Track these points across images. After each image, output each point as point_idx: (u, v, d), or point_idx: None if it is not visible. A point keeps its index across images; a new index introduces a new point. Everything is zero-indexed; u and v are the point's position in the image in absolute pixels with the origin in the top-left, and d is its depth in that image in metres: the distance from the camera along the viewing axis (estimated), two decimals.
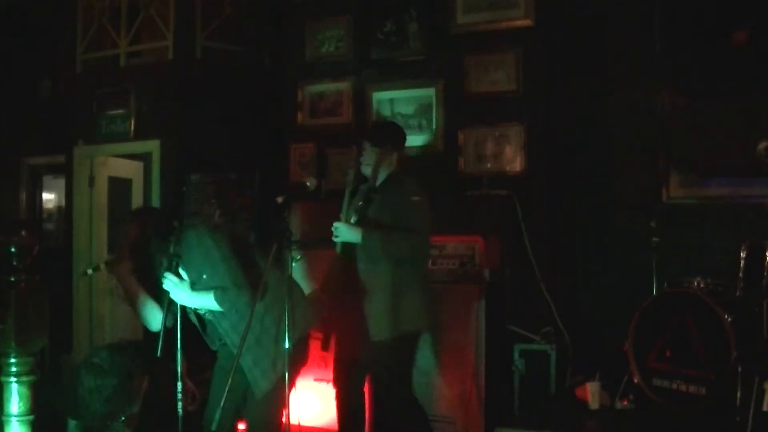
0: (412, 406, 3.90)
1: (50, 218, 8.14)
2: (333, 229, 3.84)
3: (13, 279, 2.28)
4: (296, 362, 3.30)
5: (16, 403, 2.31)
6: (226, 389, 3.05)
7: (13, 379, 2.30)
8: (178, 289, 3.14)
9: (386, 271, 3.72)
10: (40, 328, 2.36)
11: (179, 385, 3.25)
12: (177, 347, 3.27)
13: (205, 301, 3.17)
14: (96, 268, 3.38)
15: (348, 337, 3.99)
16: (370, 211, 3.88)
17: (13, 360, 2.29)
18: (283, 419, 3.30)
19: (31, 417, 2.34)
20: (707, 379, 4.11)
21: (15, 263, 2.29)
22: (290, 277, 3.38)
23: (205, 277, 3.14)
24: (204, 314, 3.31)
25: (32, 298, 2.31)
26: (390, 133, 4.09)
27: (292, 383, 3.28)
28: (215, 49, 6.30)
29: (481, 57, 5.26)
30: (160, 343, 3.17)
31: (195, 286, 3.16)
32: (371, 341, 3.77)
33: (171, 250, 3.13)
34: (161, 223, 3.24)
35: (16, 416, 2.31)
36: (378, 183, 3.93)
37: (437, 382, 4.59)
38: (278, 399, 3.26)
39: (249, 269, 3.17)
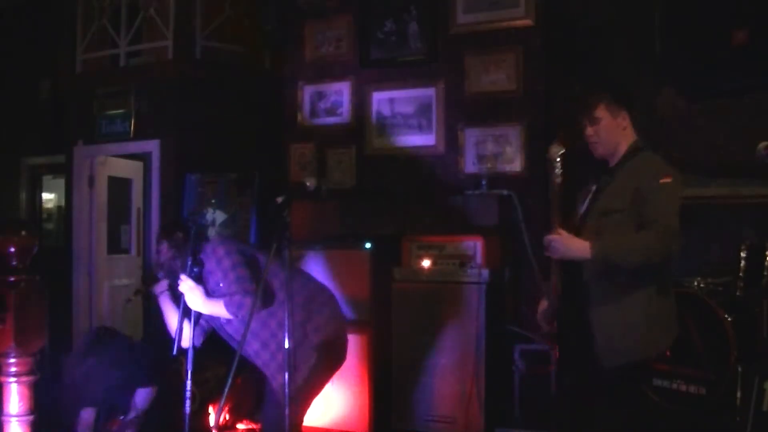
0: None
1: (50, 218, 8.15)
2: (546, 243, 2.90)
3: (13, 279, 2.27)
4: (328, 364, 3.34)
5: (16, 403, 2.30)
6: (226, 390, 3.06)
7: (13, 379, 2.30)
8: (193, 293, 3.19)
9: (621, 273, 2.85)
10: (40, 328, 2.36)
11: (188, 383, 3.26)
12: (189, 350, 3.31)
13: (217, 309, 3.21)
14: (137, 293, 3.55)
15: None
16: (600, 201, 2.99)
17: (13, 360, 2.29)
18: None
19: (31, 417, 2.34)
20: (707, 379, 4.11)
21: (15, 263, 2.28)
22: (308, 276, 3.44)
23: (221, 285, 3.22)
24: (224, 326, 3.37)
25: (32, 298, 2.31)
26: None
27: (323, 384, 3.34)
28: (215, 49, 6.30)
29: (481, 57, 5.26)
30: (176, 344, 3.23)
31: (212, 294, 3.24)
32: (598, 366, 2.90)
33: (192, 259, 3.23)
34: (188, 237, 3.34)
35: (16, 416, 2.31)
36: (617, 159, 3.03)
37: (437, 382, 4.59)
38: (305, 399, 3.30)
39: (258, 275, 3.21)
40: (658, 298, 2.85)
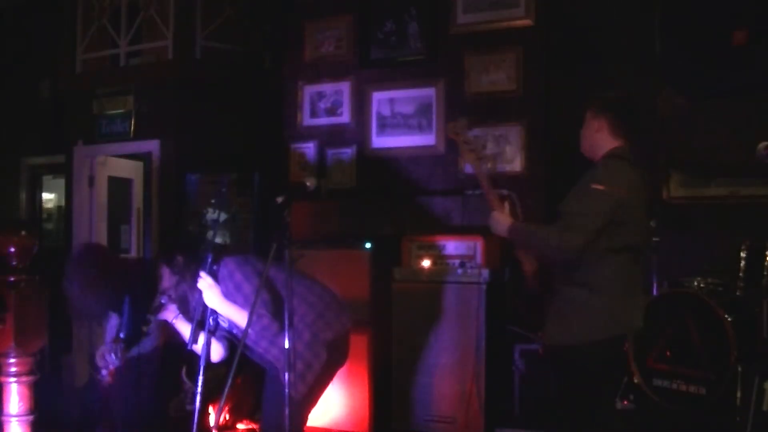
0: None
1: (50, 218, 8.14)
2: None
3: (13, 279, 2.27)
4: (336, 361, 3.34)
5: (16, 403, 2.31)
6: (226, 390, 3.07)
7: (13, 379, 2.30)
8: (211, 291, 3.16)
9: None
10: (40, 328, 2.36)
11: (200, 379, 3.25)
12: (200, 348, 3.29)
13: (233, 313, 3.19)
14: (146, 323, 3.45)
15: None
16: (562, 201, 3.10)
17: (13, 360, 2.29)
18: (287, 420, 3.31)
19: (31, 417, 2.34)
20: (707, 379, 4.11)
21: (15, 263, 2.29)
22: (311, 278, 3.45)
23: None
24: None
25: (32, 298, 2.31)
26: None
27: (325, 385, 3.34)
28: (215, 49, 6.30)
29: (481, 57, 5.26)
30: (189, 344, 3.22)
31: None
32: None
33: (212, 256, 3.18)
34: (190, 258, 3.26)
35: (16, 416, 2.31)
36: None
37: (437, 382, 4.59)
38: (316, 396, 3.31)
39: (275, 296, 3.21)
40: (586, 294, 2.92)
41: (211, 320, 3.23)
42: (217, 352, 3.35)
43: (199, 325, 3.22)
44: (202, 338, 3.26)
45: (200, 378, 3.25)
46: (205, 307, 3.20)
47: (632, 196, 2.91)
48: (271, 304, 3.15)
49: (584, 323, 2.92)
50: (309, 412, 3.34)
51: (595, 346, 2.92)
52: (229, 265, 3.24)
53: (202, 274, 3.17)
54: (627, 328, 3.05)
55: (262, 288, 3.13)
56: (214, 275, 3.20)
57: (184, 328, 3.33)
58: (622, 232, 2.88)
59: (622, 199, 2.87)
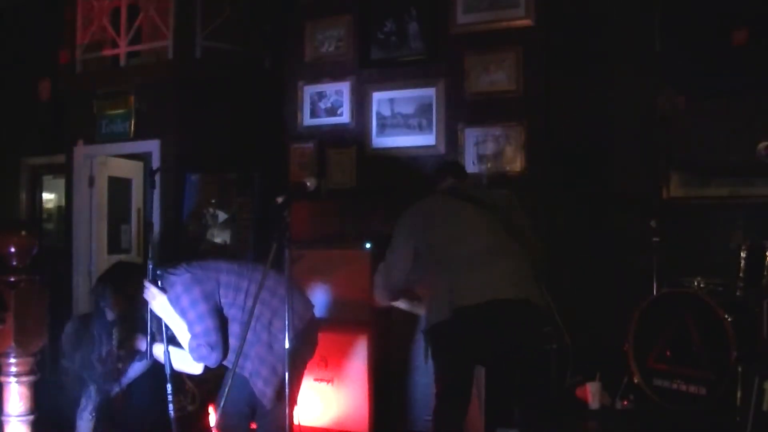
0: None
1: (50, 218, 8.15)
2: None
3: (13, 279, 2.27)
4: (301, 358, 3.31)
5: (16, 403, 2.30)
6: (226, 390, 3.06)
7: (13, 379, 2.29)
8: (158, 302, 3.14)
9: None
10: (40, 328, 2.35)
11: (169, 387, 3.24)
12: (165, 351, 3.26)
13: (178, 328, 3.16)
14: (119, 359, 3.43)
15: None
16: None
17: (13, 360, 2.28)
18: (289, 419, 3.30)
19: (31, 417, 2.33)
20: (707, 379, 4.12)
21: (15, 263, 2.28)
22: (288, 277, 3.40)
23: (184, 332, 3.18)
24: None
25: (32, 298, 2.31)
26: None
27: (299, 380, 3.31)
28: (215, 49, 6.31)
29: (481, 57, 5.26)
30: (148, 353, 3.21)
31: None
32: None
33: (153, 264, 3.16)
34: (138, 280, 3.21)
35: (16, 416, 2.30)
36: None
37: None
38: (286, 402, 3.25)
39: (222, 323, 3.17)
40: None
41: (164, 329, 3.19)
42: (195, 366, 3.28)
43: (153, 336, 3.19)
44: (161, 348, 3.22)
45: (169, 386, 3.23)
46: (157, 317, 3.18)
47: (427, 213, 3.64)
48: (214, 333, 3.10)
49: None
50: (291, 410, 3.30)
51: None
52: (176, 287, 3.14)
53: (146, 283, 3.13)
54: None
55: (214, 312, 3.10)
56: (157, 283, 3.15)
57: (159, 351, 3.30)
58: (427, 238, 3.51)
59: (409, 224, 3.64)
